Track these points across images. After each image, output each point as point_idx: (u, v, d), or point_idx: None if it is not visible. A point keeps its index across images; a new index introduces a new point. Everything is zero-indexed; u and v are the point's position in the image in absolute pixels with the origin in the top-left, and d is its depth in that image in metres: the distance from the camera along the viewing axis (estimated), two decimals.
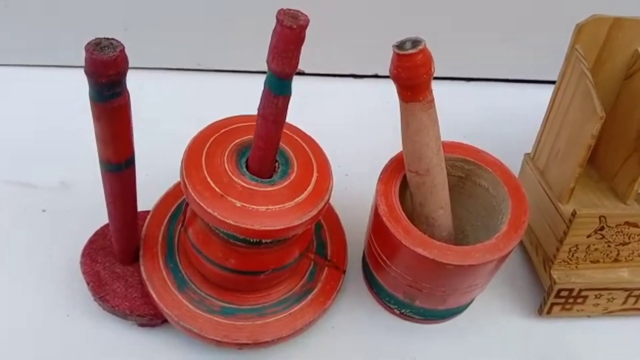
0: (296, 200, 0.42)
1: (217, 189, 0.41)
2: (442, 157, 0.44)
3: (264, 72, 0.39)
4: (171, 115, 0.66)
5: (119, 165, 0.40)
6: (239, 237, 0.42)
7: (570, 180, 0.48)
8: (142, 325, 0.49)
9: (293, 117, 0.53)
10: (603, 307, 0.52)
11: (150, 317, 0.49)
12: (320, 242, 0.53)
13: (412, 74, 0.38)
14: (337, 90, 0.71)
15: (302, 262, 0.50)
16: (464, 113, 0.70)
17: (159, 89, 0.70)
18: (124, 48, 0.34)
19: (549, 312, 0.52)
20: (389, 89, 0.73)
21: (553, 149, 0.51)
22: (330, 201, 0.57)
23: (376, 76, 0.72)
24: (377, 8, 0.68)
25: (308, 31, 0.71)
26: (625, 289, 0.51)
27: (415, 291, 0.47)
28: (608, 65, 0.50)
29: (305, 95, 0.71)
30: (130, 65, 0.35)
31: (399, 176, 0.47)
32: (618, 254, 0.50)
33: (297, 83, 0.75)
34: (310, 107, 0.71)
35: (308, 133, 0.48)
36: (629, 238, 0.49)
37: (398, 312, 0.52)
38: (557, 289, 0.50)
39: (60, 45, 0.68)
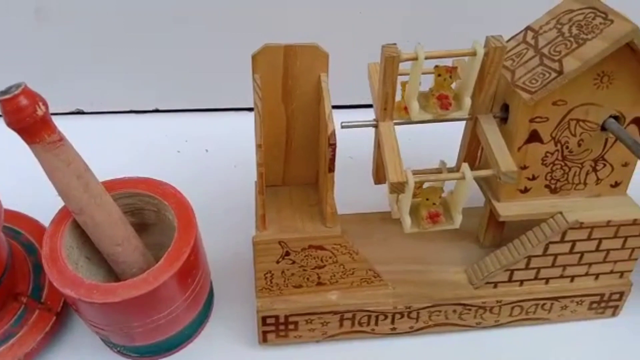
0: None
1: None
2: (100, 194, 0.44)
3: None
4: None
5: None
6: None
7: (259, 208, 0.49)
8: None
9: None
10: (321, 331, 0.52)
11: None
12: (37, 285, 0.53)
13: (15, 118, 0.39)
14: (118, 127, 0.72)
15: (11, 307, 0.51)
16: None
17: None
18: None
19: (265, 341, 0.52)
20: (170, 122, 0.75)
21: None
22: None
23: (157, 111, 0.73)
24: (150, 43, 0.69)
25: (83, 69, 0.72)
26: (335, 312, 0.51)
27: (98, 329, 0.47)
28: (298, 92, 0.50)
29: (86, 133, 0.72)
30: None
31: (72, 217, 0.47)
32: (319, 278, 0.50)
33: (77, 123, 0.77)
34: (93, 145, 0.71)
35: None
36: (321, 261, 0.49)
37: (116, 350, 0.51)
38: (261, 317, 0.50)
39: None
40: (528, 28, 0.50)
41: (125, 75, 0.70)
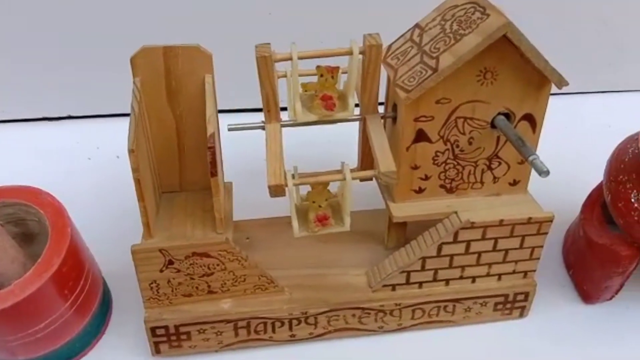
0: None
1: None
2: None
3: None
4: None
5: None
6: None
7: (142, 216, 0.47)
8: None
9: None
10: (216, 341, 0.51)
11: None
12: None
13: None
14: (30, 134, 0.70)
15: None
16: None
17: None
18: None
19: (158, 352, 0.50)
20: (81, 128, 0.74)
21: None
22: None
23: (69, 117, 0.71)
24: (62, 50, 0.67)
25: None
26: (228, 321, 0.50)
27: None
28: (184, 94, 0.49)
29: None
30: None
31: None
32: (209, 286, 0.49)
33: None
34: (3, 153, 0.70)
35: None
36: (209, 269, 0.48)
37: None
38: (150, 328, 0.49)
39: None
40: (416, 25, 0.49)
41: (38, 83, 0.68)
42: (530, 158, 0.42)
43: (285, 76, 0.50)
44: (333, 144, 0.65)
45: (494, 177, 0.50)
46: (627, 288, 0.57)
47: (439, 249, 0.49)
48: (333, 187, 0.49)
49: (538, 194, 0.66)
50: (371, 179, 0.47)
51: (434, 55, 0.44)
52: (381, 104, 0.51)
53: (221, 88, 0.51)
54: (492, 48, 0.42)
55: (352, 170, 0.46)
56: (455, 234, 0.48)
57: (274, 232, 0.57)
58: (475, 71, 0.44)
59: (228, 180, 0.56)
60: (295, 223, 0.46)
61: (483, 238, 0.49)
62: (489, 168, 0.49)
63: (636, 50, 0.78)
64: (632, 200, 0.47)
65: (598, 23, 0.74)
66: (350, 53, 0.44)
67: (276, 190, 0.43)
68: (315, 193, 0.46)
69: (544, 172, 0.41)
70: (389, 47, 0.49)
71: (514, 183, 0.51)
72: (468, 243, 0.49)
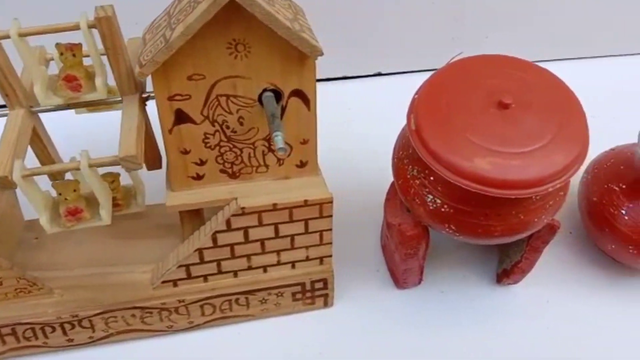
0: None
1: None
2: None
3: None
4: None
5: None
6: None
7: None
8: None
9: None
10: None
11: None
12: None
13: None
14: None
15: None
16: None
17: None
18: None
19: None
20: None
21: None
22: None
23: None
24: None
25: None
26: None
27: None
28: None
29: None
30: None
31: None
32: None
33: None
34: None
35: None
36: None
37: None
38: None
39: None
40: None
41: None
42: (273, 134, 0.39)
43: (52, 59, 0.46)
44: None
45: (278, 160, 0.47)
46: (441, 272, 0.55)
47: (214, 238, 0.45)
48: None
49: (366, 176, 0.63)
50: (116, 165, 0.42)
51: (173, 26, 0.40)
52: None
53: None
54: (236, 16, 0.39)
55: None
56: (228, 222, 0.44)
57: (67, 231, 0.53)
58: (224, 43, 0.40)
59: None
60: (42, 218, 0.42)
61: (260, 224, 0.45)
62: (270, 150, 0.46)
63: (476, 20, 0.75)
64: (408, 176, 0.44)
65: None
66: (77, 28, 0.40)
67: (2, 183, 0.39)
68: (60, 185, 0.42)
69: (279, 149, 0.38)
70: (153, 21, 0.46)
71: (302, 165, 0.47)
72: (245, 230, 0.45)
